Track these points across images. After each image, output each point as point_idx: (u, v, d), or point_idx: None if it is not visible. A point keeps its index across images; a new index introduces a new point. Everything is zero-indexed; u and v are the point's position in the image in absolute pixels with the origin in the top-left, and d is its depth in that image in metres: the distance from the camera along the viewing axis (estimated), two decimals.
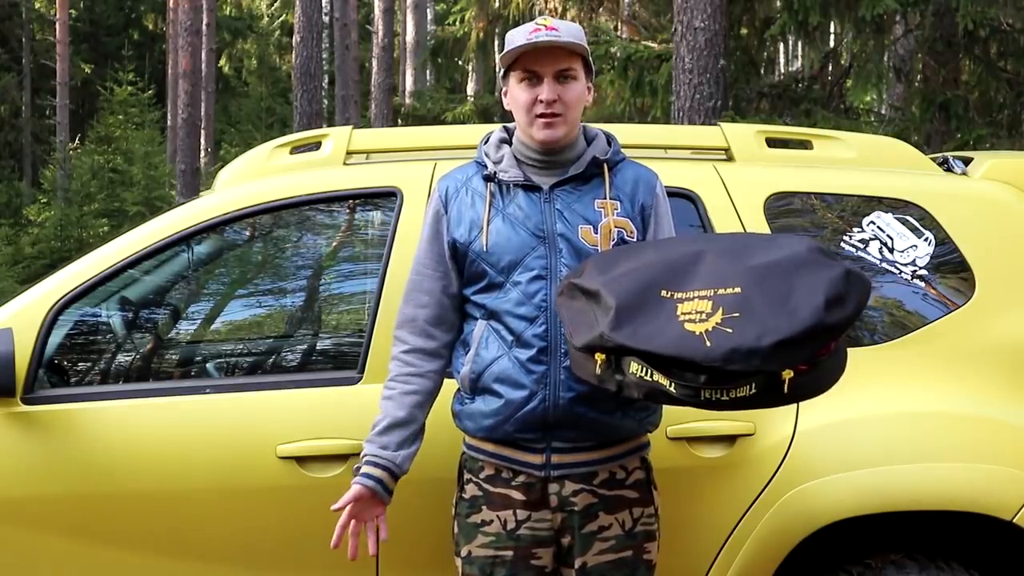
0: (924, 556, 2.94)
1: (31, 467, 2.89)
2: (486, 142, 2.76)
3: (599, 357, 2.34)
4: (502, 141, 2.73)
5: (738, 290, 2.30)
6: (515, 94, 2.65)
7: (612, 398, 2.50)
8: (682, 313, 2.30)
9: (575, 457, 2.59)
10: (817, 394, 2.39)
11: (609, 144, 2.72)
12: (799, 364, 2.26)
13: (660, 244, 2.59)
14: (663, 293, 2.34)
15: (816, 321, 2.25)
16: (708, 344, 2.22)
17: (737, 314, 2.25)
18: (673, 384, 2.26)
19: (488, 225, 2.62)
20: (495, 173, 2.67)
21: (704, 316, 2.27)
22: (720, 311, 2.27)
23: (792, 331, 2.23)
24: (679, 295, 2.33)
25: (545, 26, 2.61)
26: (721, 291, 2.31)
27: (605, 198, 2.63)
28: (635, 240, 2.63)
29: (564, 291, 2.49)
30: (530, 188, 2.65)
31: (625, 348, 2.29)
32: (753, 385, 2.25)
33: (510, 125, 2.76)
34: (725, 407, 2.30)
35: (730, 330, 2.23)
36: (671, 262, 2.43)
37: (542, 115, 2.60)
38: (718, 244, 2.51)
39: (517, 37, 2.63)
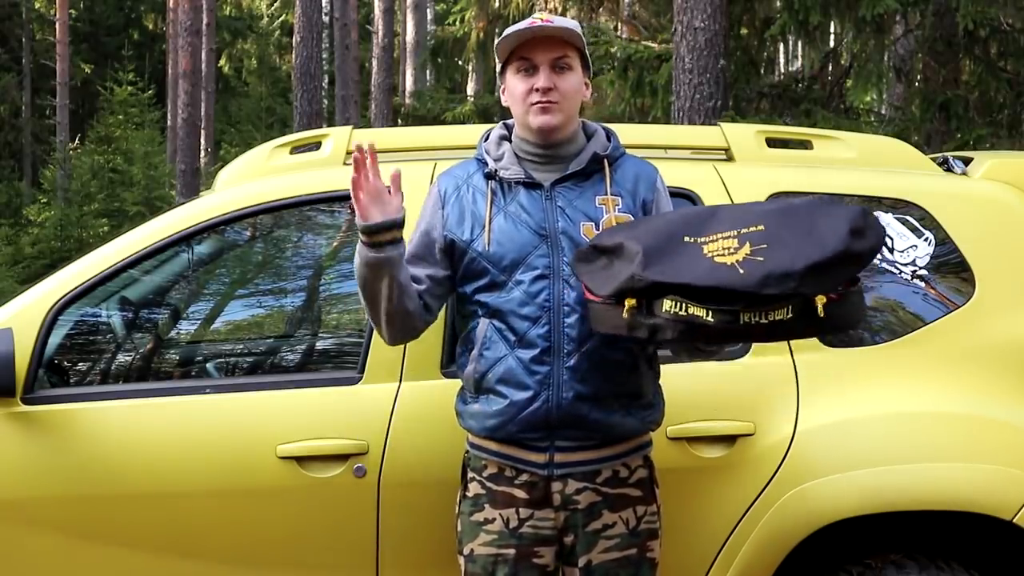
0: (924, 556, 2.94)
1: (31, 467, 2.90)
2: (486, 139, 2.76)
3: (629, 302, 2.33)
4: (502, 138, 2.73)
5: (761, 228, 2.37)
6: (512, 85, 2.66)
7: (631, 365, 2.57)
8: (710, 251, 2.35)
9: (578, 456, 2.59)
10: (848, 327, 2.49)
11: (609, 140, 2.73)
12: (830, 291, 2.31)
13: (671, 212, 2.65)
14: (686, 239, 2.39)
15: (845, 247, 2.32)
16: (742, 272, 2.28)
17: (765, 245, 2.33)
18: (711, 313, 2.28)
19: (490, 223, 2.62)
20: (496, 171, 2.67)
21: (733, 250, 2.33)
22: (748, 245, 2.34)
23: (823, 255, 2.30)
24: (702, 239, 2.39)
25: (541, 20, 2.63)
26: (744, 230, 2.38)
27: (606, 194, 2.64)
28: None
29: (580, 255, 2.51)
30: (531, 186, 2.65)
31: (658, 285, 2.31)
32: (790, 309, 2.29)
33: (510, 122, 2.77)
34: (764, 333, 2.33)
35: (761, 259, 2.30)
36: (689, 217, 2.51)
37: (538, 102, 2.60)
38: (731, 206, 2.59)
39: (514, 30, 2.64)
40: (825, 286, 2.30)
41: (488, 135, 2.77)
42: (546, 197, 2.63)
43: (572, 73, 2.64)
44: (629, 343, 2.51)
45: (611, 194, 2.64)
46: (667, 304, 2.29)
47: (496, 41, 2.68)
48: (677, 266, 2.33)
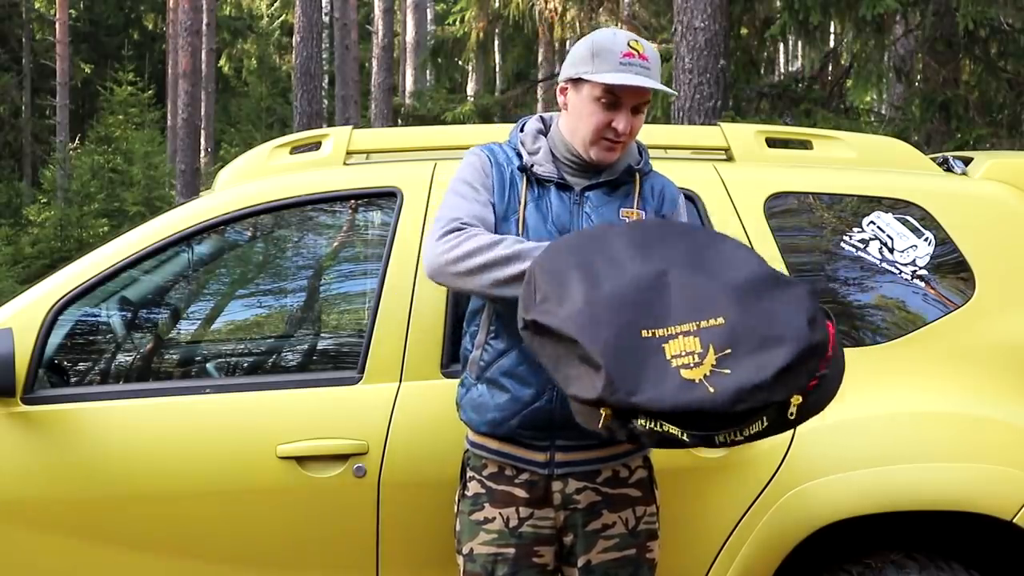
0: (924, 556, 2.94)
1: (31, 467, 2.89)
2: (521, 129, 2.72)
3: (604, 411, 2.24)
4: (539, 132, 2.70)
5: (721, 321, 2.26)
6: (586, 109, 2.58)
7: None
8: (672, 356, 2.23)
9: (579, 455, 2.59)
10: (824, 407, 2.35)
11: (640, 154, 2.72)
12: (802, 389, 2.24)
13: (607, 253, 2.40)
14: (644, 333, 2.26)
15: (807, 343, 2.24)
16: (712, 391, 2.18)
17: (728, 351, 2.22)
18: (685, 433, 2.21)
19: (524, 210, 2.60)
20: (531, 165, 2.64)
21: (697, 358, 2.22)
22: (711, 350, 2.22)
23: (789, 358, 2.21)
24: (661, 332, 2.26)
25: (639, 52, 2.55)
26: (704, 324, 2.26)
27: (633, 207, 2.63)
28: None
29: (532, 330, 2.35)
30: (562, 187, 2.63)
31: (629, 408, 2.21)
32: (764, 420, 2.23)
33: (547, 116, 2.72)
34: (742, 443, 2.26)
35: (727, 371, 2.20)
36: (639, 288, 2.32)
37: (609, 140, 2.58)
38: (675, 255, 2.40)
39: (607, 51, 2.55)
40: (796, 385, 2.24)
41: (524, 126, 2.72)
42: (575, 201, 2.62)
43: (644, 112, 2.62)
44: None
45: (637, 207, 2.63)
46: (641, 421, 2.22)
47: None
48: (644, 383, 2.20)
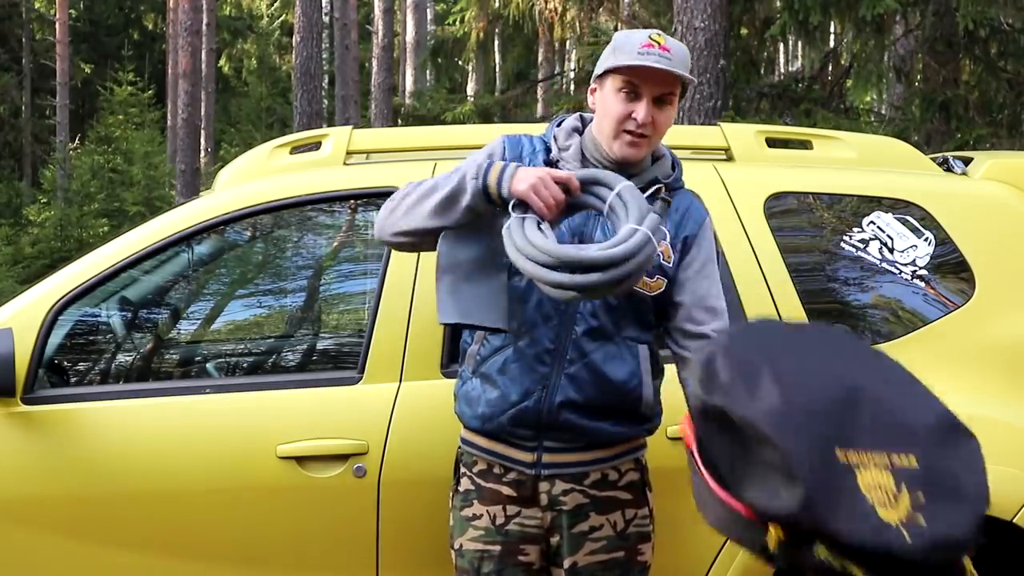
0: None
1: (31, 467, 2.90)
2: (558, 125, 2.68)
3: (776, 532, 2.08)
4: (574, 130, 2.67)
5: (914, 463, 2.13)
6: (608, 101, 2.56)
7: (616, 412, 2.51)
8: (866, 488, 2.07)
9: (566, 457, 2.58)
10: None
11: (673, 168, 2.67)
12: (979, 543, 2.16)
13: (798, 352, 2.27)
14: (838, 453, 2.09)
15: (988, 503, 2.19)
16: (907, 538, 2.05)
17: (923, 498, 2.10)
18: (866, 573, 2.09)
19: None
20: (559, 161, 2.60)
21: (891, 497, 2.08)
22: (904, 492, 2.09)
23: (976, 517, 2.14)
24: (853, 457, 2.10)
25: (659, 44, 2.53)
26: (896, 459, 2.12)
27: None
28: (671, 266, 2.57)
29: (711, 417, 2.19)
30: None
31: (820, 533, 2.06)
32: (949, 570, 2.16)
33: (588, 116, 2.68)
34: None
35: (924, 522, 2.08)
36: (831, 398, 2.16)
37: (631, 132, 2.53)
38: (870, 374, 2.27)
39: (627, 44, 2.54)
40: (974, 542, 2.15)
41: (561, 122, 2.69)
42: None
43: (671, 107, 2.57)
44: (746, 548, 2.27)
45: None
46: (821, 551, 2.05)
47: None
48: (841, 515, 2.04)
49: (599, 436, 2.57)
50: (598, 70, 2.60)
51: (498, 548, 2.60)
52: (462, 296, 2.48)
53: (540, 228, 2.38)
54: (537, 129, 2.77)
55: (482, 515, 2.62)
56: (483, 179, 2.44)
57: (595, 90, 2.62)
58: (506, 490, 2.61)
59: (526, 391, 2.54)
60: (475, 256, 2.50)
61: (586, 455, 2.59)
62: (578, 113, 2.72)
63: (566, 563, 2.60)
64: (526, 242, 2.35)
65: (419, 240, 2.56)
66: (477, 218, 2.47)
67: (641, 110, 2.51)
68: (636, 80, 2.52)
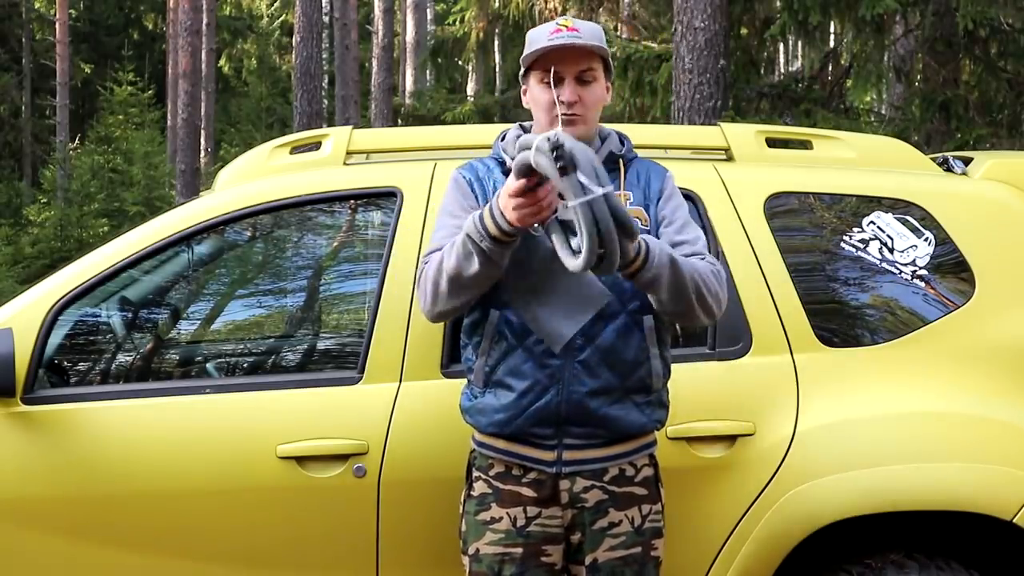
0: (924, 556, 2.94)
1: (31, 467, 2.89)
2: (502, 139, 2.76)
3: None
4: (518, 138, 2.70)
5: None
6: (535, 94, 2.67)
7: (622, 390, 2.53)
8: None
9: (586, 454, 2.60)
10: None
11: (622, 142, 2.76)
12: None
13: None
14: None
15: None
16: None
17: None
18: None
19: None
20: None
21: None
22: None
23: None
24: None
25: (566, 27, 2.61)
26: None
27: (619, 190, 2.64)
28: (650, 229, 2.63)
29: None
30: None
31: None
32: None
33: (527, 124, 2.77)
34: None
35: None
36: None
37: (563, 115, 2.59)
38: None
39: (538, 37, 2.63)
40: None
41: (504, 135, 2.77)
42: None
43: (596, 84, 2.65)
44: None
45: (624, 190, 2.66)
46: None
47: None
48: None
49: (618, 424, 2.59)
50: (521, 71, 2.71)
51: (520, 550, 2.60)
52: (555, 308, 2.49)
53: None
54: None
55: (502, 518, 2.62)
56: (489, 240, 2.42)
57: (525, 91, 2.72)
58: (526, 491, 2.61)
59: (542, 388, 2.56)
60: (532, 274, 2.50)
61: (605, 450, 2.61)
62: (518, 124, 2.80)
63: (587, 559, 2.61)
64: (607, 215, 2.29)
65: (471, 303, 2.59)
66: (502, 258, 2.46)
67: (565, 91, 2.59)
68: (554, 65, 2.59)
